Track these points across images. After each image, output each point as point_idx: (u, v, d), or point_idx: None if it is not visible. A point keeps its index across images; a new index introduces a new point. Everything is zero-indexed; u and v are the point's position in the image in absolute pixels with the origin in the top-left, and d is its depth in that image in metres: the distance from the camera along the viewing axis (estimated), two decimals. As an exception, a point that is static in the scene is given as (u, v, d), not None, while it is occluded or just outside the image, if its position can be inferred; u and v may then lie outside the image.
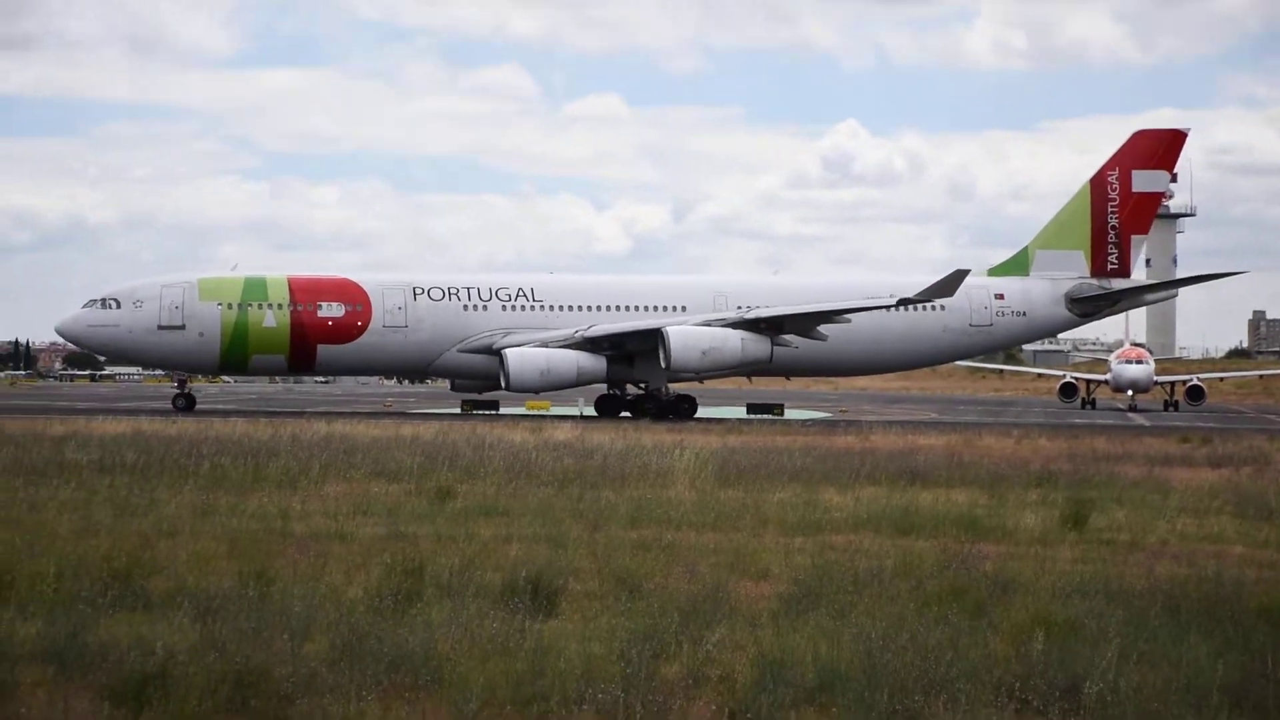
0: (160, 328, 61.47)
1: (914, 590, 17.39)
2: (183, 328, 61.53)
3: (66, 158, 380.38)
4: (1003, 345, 71.22)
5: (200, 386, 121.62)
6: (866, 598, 16.81)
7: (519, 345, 61.28)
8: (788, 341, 62.01)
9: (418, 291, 63.45)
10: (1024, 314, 66.15)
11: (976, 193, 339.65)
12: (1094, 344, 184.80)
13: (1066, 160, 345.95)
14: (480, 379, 63.36)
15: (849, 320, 61.67)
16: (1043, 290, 66.28)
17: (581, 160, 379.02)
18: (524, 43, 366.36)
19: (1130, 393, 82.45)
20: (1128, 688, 12.80)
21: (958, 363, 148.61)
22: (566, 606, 16.63)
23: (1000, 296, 65.86)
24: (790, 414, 68.88)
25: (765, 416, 65.82)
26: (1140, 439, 47.15)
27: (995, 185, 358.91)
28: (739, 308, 62.68)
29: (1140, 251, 67.72)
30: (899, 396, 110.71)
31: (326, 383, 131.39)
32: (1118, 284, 66.62)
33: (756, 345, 61.01)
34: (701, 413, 69.34)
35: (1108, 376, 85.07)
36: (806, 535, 22.88)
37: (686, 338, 60.37)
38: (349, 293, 63.23)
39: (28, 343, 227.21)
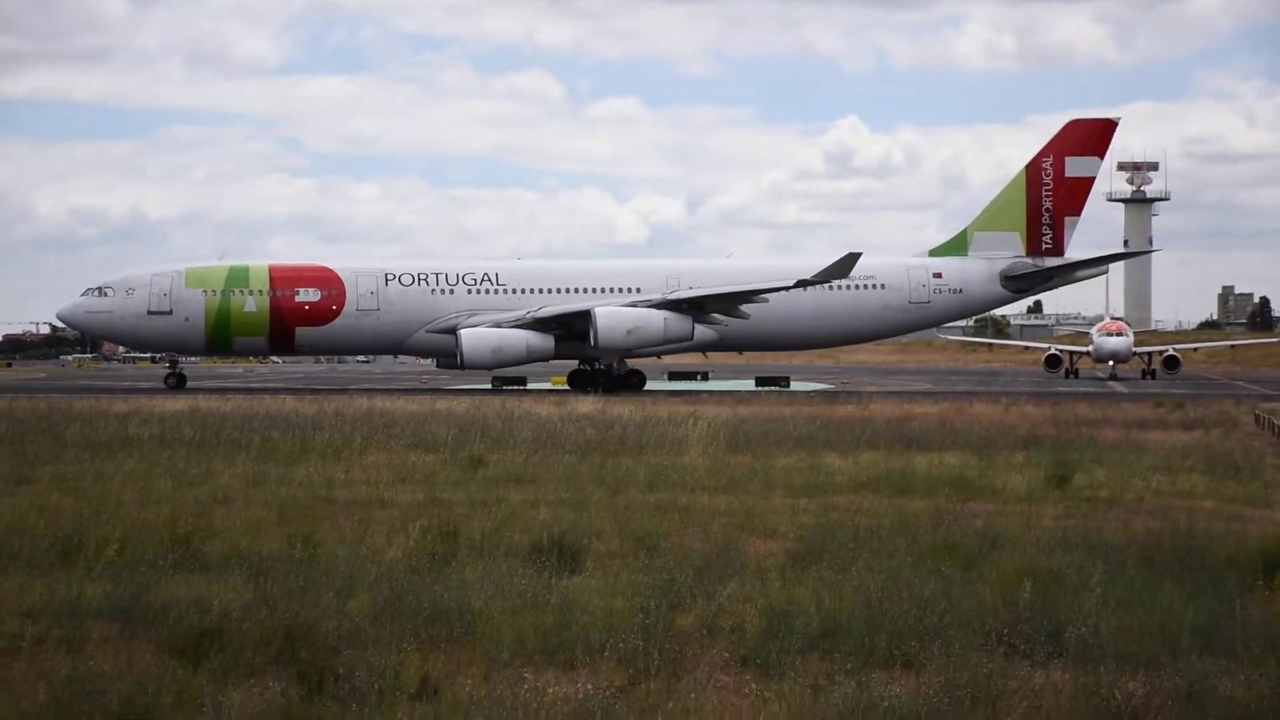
0: (149, 313, 62.70)
1: (910, 546, 17.38)
2: (170, 313, 62.69)
3: (131, 159, 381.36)
4: (940, 320, 71.10)
5: (252, 367, 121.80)
6: (866, 553, 16.80)
7: (473, 326, 61.79)
8: (717, 320, 62.43)
9: (389, 277, 64.11)
10: (960, 291, 66.30)
11: (967, 181, 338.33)
12: (1076, 318, 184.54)
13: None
14: (449, 356, 63.30)
15: (767, 300, 61.70)
16: (979, 269, 66.44)
17: (603, 157, 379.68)
18: (550, 50, 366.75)
19: (1110, 363, 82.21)
20: (1107, 631, 12.80)
21: (949, 337, 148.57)
22: (590, 564, 16.65)
23: (938, 275, 66.04)
24: (796, 386, 68.88)
25: (772, 389, 65.83)
26: (1119, 405, 47.07)
27: (984, 174, 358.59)
28: (690, 289, 62.89)
29: (1072, 232, 67.36)
30: (896, 369, 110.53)
31: (367, 362, 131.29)
32: (1050, 262, 66.68)
33: (679, 324, 61.36)
34: (712, 386, 69.42)
35: (1089, 348, 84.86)
36: (811, 497, 22.88)
37: (612, 318, 60.90)
38: (325, 279, 63.95)
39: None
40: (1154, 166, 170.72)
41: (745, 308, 61.88)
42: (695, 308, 61.89)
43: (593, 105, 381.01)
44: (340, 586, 14.60)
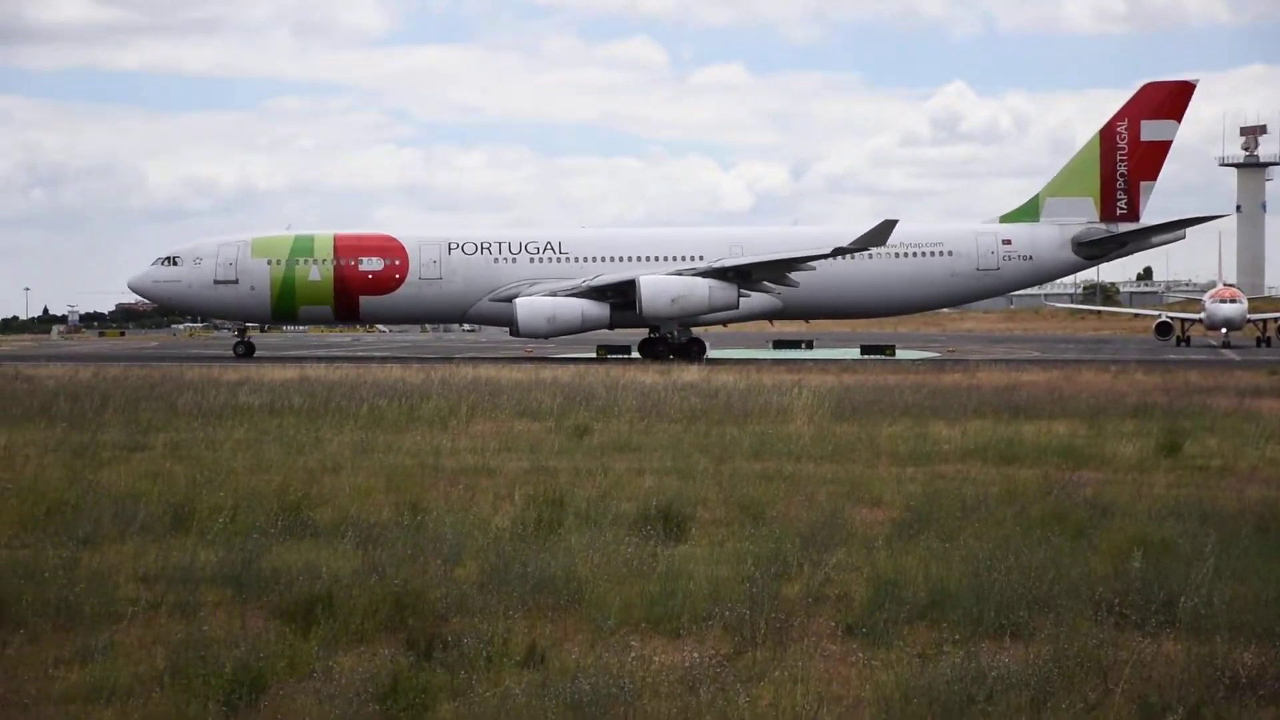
0: (216, 282, 63.77)
1: (1018, 515, 17.21)
2: (236, 282, 63.70)
3: (241, 130, 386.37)
4: (1010, 287, 70.21)
5: (360, 335, 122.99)
6: (974, 522, 16.67)
7: (529, 295, 62.07)
8: (770, 287, 62.24)
9: (452, 246, 64.45)
10: (1030, 258, 65.36)
11: (1077, 146, 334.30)
12: (1188, 285, 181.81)
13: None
14: (511, 325, 63.47)
15: (814, 268, 61.38)
16: (1050, 235, 65.46)
17: (707, 124, 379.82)
18: (654, 17, 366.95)
19: (1224, 330, 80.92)
20: (1220, 602, 12.61)
21: (1057, 305, 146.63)
22: (695, 533, 16.64)
23: (1008, 242, 65.18)
24: (901, 354, 68.45)
25: (878, 357, 65.47)
26: (1232, 373, 46.30)
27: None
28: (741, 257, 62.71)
29: (1148, 197, 66.04)
30: (1003, 337, 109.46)
31: (472, 330, 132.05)
32: (1124, 227, 65.52)
33: (724, 292, 61.11)
34: (817, 354, 69.11)
35: (1202, 315, 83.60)
36: (917, 465, 22.72)
37: (656, 286, 60.83)
38: (388, 248, 64.42)
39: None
40: (1263, 130, 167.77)
41: (800, 275, 61.59)
42: (741, 276, 61.72)
43: (697, 72, 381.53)
44: (448, 554, 14.71)
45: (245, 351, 66.33)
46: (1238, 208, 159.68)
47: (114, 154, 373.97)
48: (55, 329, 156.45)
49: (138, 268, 65.82)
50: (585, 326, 62.33)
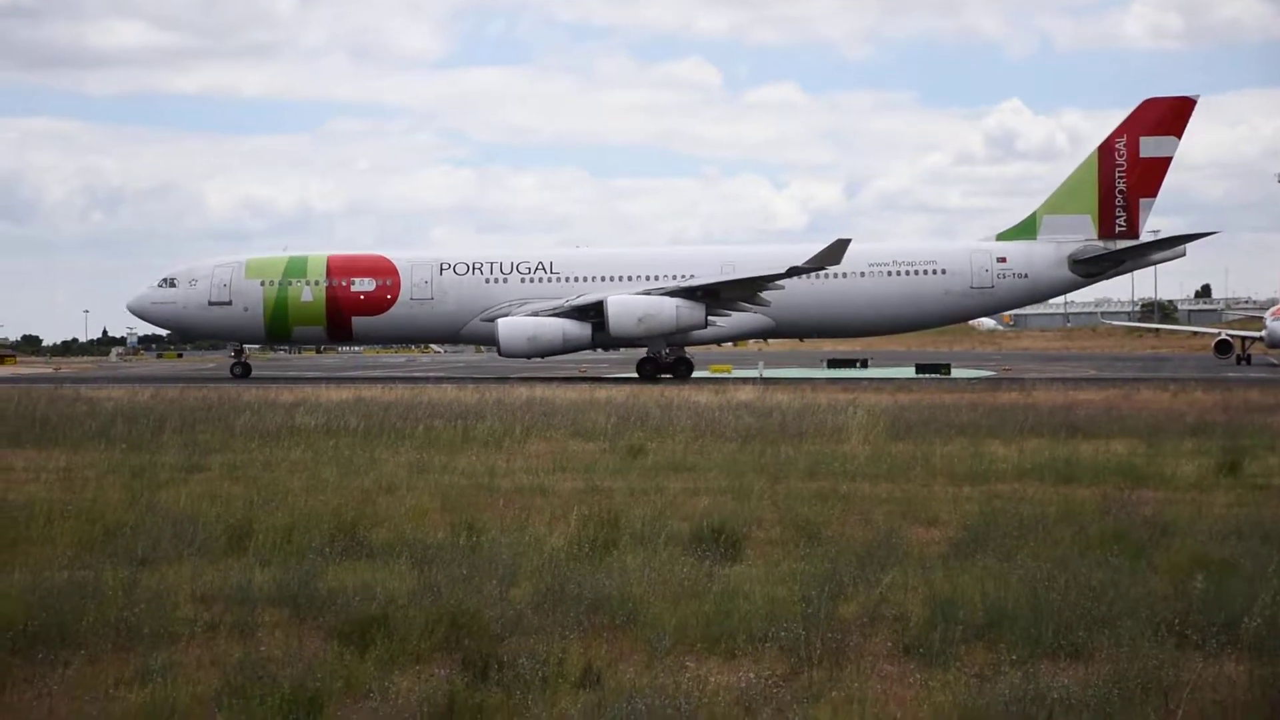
0: (210, 304, 64.79)
1: (1076, 534, 17.08)
2: (230, 303, 64.63)
3: (298, 152, 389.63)
4: (1006, 305, 69.65)
5: (414, 356, 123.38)
6: (1031, 541, 16.55)
7: (511, 315, 62.50)
8: (744, 307, 62.39)
9: (444, 266, 64.95)
10: (1026, 275, 64.98)
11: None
12: (1247, 303, 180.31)
13: (1220, 133, 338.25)
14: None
15: (782, 286, 61.53)
16: (1046, 253, 65.01)
17: (761, 143, 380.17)
18: (708, 38, 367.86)
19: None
20: (1283, 623, 12.48)
21: (1114, 323, 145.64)
22: (751, 552, 16.60)
23: (1003, 260, 64.92)
24: (956, 373, 68.19)
25: (933, 376, 65.26)
26: (1292, 391, 45.83)
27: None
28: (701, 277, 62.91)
29: (1148, 214, 65.34)
30: (1059, 355, 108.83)
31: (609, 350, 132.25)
32: (1121, 244, 64.90)
33: (691, 312, 61.43)
34: (872, 373, 68.87)
35: (1262, 333, 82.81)
36: (973, 484, 22.60)
37: (623, 306, 61.18)
38: (380, 268, 65.03)
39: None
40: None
41: (794, 294, 62.10)
42: (709, 295, 61.92)
43: (750, 92, 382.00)
44: (503, 574, 14.71)
45: (242, 373, 67.06)
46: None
47: (172, 177, 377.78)
48: (114, 351, 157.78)
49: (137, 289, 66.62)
50: (567, 346, 62.54)
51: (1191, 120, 65.02)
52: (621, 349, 67.67)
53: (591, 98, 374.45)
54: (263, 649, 12.10)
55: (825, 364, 78.97)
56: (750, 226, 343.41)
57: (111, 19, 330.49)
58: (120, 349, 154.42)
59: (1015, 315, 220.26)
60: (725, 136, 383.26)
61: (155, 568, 15.49)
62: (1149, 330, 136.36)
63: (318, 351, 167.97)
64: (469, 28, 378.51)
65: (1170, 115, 65.31)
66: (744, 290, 62.02)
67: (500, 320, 62.24)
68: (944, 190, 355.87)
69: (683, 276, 63.44)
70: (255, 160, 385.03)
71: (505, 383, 53.53)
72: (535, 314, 62.61)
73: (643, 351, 65.25)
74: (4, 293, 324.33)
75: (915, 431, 30.50)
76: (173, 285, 65.24)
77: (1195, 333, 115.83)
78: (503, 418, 33.42)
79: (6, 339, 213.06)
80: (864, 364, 76.49)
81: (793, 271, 60.56)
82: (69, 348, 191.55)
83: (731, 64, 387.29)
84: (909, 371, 69.34)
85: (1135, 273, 75.73)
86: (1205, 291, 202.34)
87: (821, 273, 62.27)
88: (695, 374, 64.90)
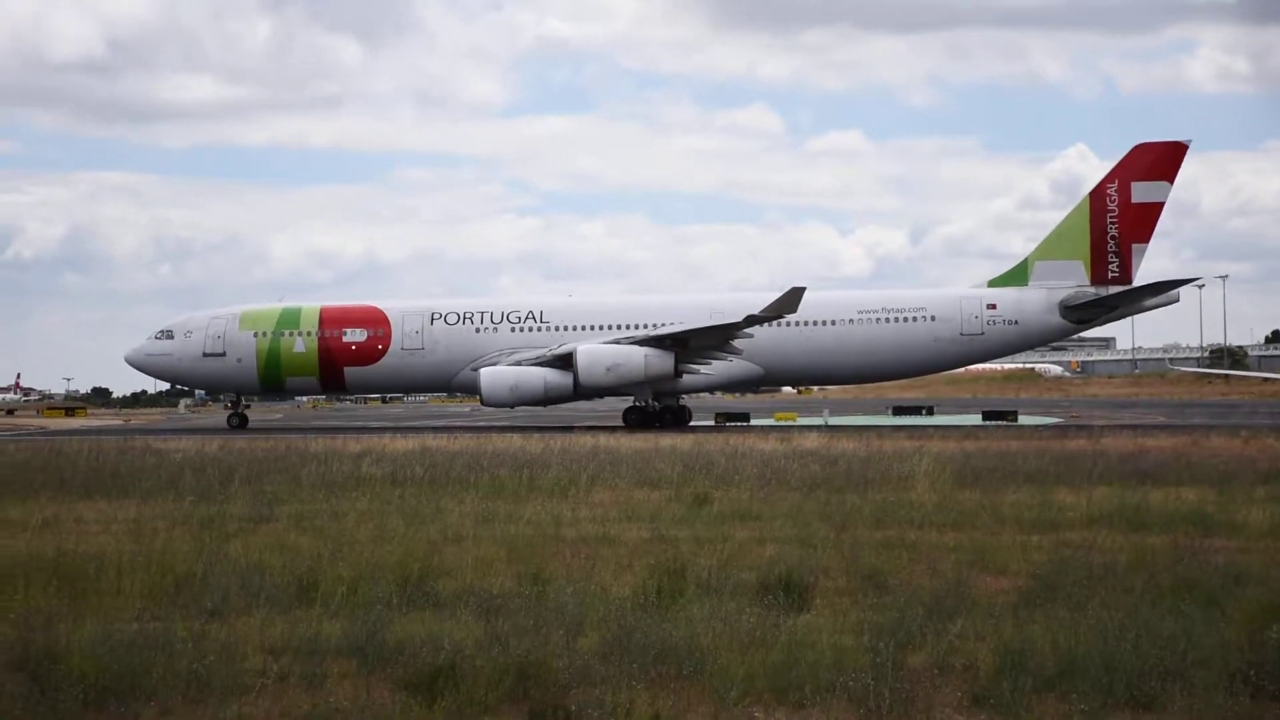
0: (205, 355, 65.48)
1: (1147, 583, 16.91)
2: (223, 355, 65.12)
3: (365, 202, 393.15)
4: (996, 353, 68.59)
5: (474, 405, 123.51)
6: (1101, 590, 16.40)
7: (493, 365, 62.77)
8: (717, 355, 62.35)
9: (435, 316, 65.33)
10: (1016, 322, 64.82)
11: (1200, 210, 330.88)
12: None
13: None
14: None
15: (752, 335, 61.48)
16: (1036, 299, 64.83)
17: (825, 190, 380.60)
18: (772, 85, 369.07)
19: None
20: (1361, 674, 12.30)
21: (1183, 369, 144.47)
22: (818, 601, 16.52)
23: (993, 306, 64.77)
24: (1023, 420, 67.78)
25: (1000, 423, 64.90)
26: (1366, 436, 45.24)
27: (1219, 202, 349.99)
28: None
29: (1141, 259, 64.99)
30: (1128, 402, 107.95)
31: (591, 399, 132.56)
32: (1114, 290, 64.46)
33: (660, 360, 61.44)
34: (938, 420, 68.53)
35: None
36: (1042, 533, 22.41)
37: (592, 355, 61.32)
38: (372, 319, 65.50)
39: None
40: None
41: (783, 342, 62.78)
42: (679, 343, 61.76)
43: (815, 139, 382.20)
44: (569, 624, 14.71)
45: (239, 424, 67.43)
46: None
47: (239, 228, 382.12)
48: (183, 403, 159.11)
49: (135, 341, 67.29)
50: (549, 396, 62.52)
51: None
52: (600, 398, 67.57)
53: (656, 145, 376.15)
54: (331, 700, 12.15)
55: (890, 411, 78.67)
56: (815, 273, 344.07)
57: (182, 73, 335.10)
58: (189, 401, 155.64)
59: (1083, 362, 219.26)
60: (789, 183, 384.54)
61: (224, 619, 15.59)
62: (1219, 376, 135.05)
63: (383, 401, 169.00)
64: (534, 76, 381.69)
65: (1162, 160, 65.20)
66: (712, 338, 61.98)
67: (483, 370, 62.53)
68: (1010, 236, 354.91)
69: (671, 325, 63.29)
70: (322, 210, 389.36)
71: (570, 432, 53.59)
72: (518, 363, 62.76)
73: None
74: (75, 345, 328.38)
75: (982, 479, 30.29)
76: (169, 337, 66.07)
77: (1266, 379, 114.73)
78: (568, 467, 33.44)
79: (77, 392, 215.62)
80: (929, 411, 76.17)
81: (750, 320, 60.54)
82: (138, 399, 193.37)
83: (794, 111, 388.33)
84: (975, 419, 68.98)
85: (1203, 318, 75.08)
86: (1276, 337, 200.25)
87: (811, 321, 62.64)
88: (757, 422, 64.76)
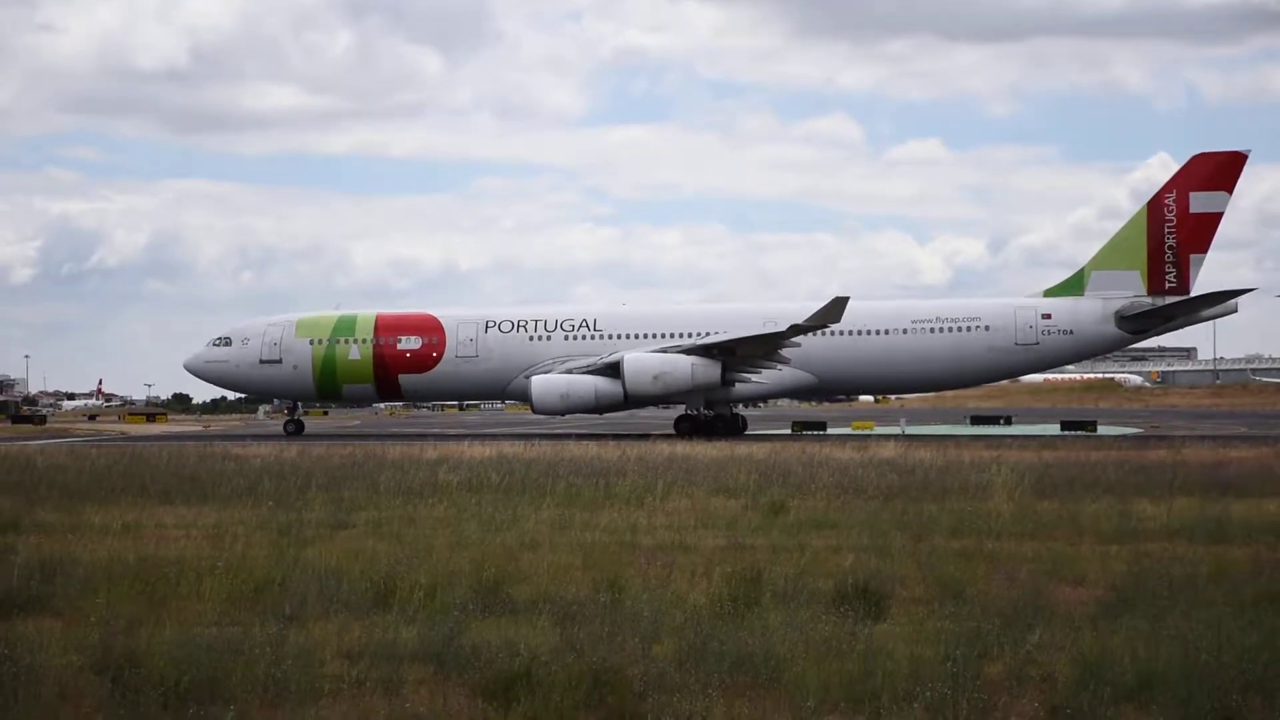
0: (262, 362, 65.61)
1: (1229, 595, 16.71)
2: (280, 361, 65.43)
3: (444, 211, 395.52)
4: (1052, 363, 68.08)
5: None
6: (1182, 602, 16.22)
7: (545, 373, 62.82)
8: (765, 364, 62.20)
9: (489, 324, 65.37)
10: (1071, 332, 64.28)
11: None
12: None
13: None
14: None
15: (799, 344, 61.24)
16: (1092, 309, 64.25)
17: (904, 199, 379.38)
18: (851, 94, 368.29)
19: None
20: None
21: (1266, 380, 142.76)
22: (894, 611, 16.46)
23: (1047, 316, 64.31)
24: (1103, 430, 67.19)
25: (1079, 433, 64.37)
26: None
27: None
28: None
29: (1199, 269, 64.11)
30: (1209, 412, 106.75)
31: (667, 407, 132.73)
32: (1170, 300, 63.68)
33: (706, 369, 61.19)
34: (1016, 430, 68.02)
35: None
36: (1121, 544, 22.20)
37: (639, 364, 61.15)
38: (427, 327, 65.52)
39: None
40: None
41: (837, 351, 62.88)
42: (726, 353, 61.49)
43: (894, 148, 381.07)
44: (645, 631, 14.71)
45: (295, 430, 67.67)
46: None
47: (321, 236, 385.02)
48: (262, 408, 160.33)
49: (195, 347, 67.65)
50: (600, 404, 62.38)
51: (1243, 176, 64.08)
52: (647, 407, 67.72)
53: (734, 154, 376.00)
54: (408, 705, 12.21)
55: (968, 420, 78.19)
56: (893, 282, 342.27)
57: (264, 82, 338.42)
58: (268, 407, 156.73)
59: (1163, 372, 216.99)
60: (868, 192, 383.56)
61: (302, 624, 15.69)
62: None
63: (460, 409, 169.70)
64: (612, 86, 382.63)
65: (1221, 170, 64.35)
66: (758, 347, 61.78)
67: (534, 378, 62.68)
68: (1090, 245, 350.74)
69: (720, 334, 63.09)
70: (402, 219, 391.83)
71: (646, 440, 53.61)
72: (570, 371, 62.82)
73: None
74: (157, 352, 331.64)
75: (1061, 490, 30.04)
76: (227, 344, 66.48)
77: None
78: (644, 474, 33.45)
79: (158, 398, 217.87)
80: (1008, 421, 75.66)
81: (794, 330, 60.31)
82: (218, 406, 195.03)
83: (874, 120, 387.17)
84: (1054, 429, 68.43)
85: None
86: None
87: (866, 330, 62.40)
88: (834, 431, 64.53)
